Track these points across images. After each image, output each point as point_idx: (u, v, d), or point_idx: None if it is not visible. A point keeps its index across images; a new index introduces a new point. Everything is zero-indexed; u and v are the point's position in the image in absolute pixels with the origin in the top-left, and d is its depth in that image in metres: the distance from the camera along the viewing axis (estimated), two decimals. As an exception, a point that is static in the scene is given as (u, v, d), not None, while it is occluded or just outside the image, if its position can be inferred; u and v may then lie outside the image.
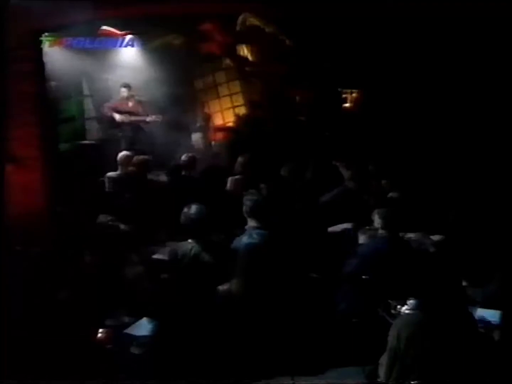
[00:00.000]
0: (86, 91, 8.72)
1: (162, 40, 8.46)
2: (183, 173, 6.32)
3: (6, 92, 4.93)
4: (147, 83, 8.31)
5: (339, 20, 6.70)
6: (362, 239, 4.83)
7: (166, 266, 4.31)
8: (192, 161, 6.36)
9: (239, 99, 9.69)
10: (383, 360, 3.20)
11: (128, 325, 3.82)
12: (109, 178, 6.45)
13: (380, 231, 4.45)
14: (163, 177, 6.69)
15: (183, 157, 6.36)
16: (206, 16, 7.72)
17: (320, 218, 5.24)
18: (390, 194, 5.64)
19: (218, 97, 9.81)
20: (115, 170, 6.50)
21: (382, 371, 3.19)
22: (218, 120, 9.76)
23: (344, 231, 5.16)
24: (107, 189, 6.40)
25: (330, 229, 5.19)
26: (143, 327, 3.79)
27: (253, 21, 8.59)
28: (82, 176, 6.71)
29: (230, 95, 9.75)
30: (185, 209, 4.17)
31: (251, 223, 4.40)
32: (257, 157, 6.42)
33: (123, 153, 6.61)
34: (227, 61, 9.36)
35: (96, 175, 6.83)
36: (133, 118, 8.19)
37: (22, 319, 3.56)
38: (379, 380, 3.24)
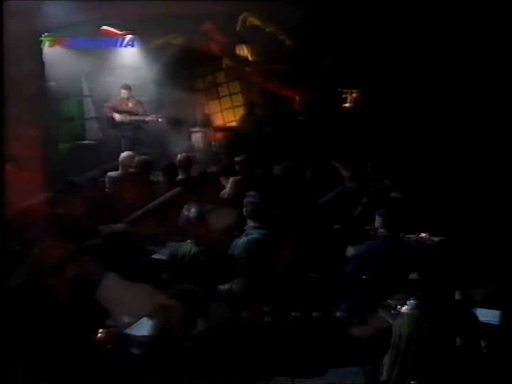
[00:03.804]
0: (86, 91, 8.73)
1: (162, 40, 8.46)
2: (179, 173, 6.29)
3: (6, 92, 4.93)
4: (147, 83, 8.32)
5: (339, 20, 6.70)
6: (349, 251, 4.80)
7: (165, 266, 4.31)
8: (187, 161, 6.32)
9: (239, 99, 9.69)
10: (386, 358, 3.20)
11: (128, 325, 3.82)
12: (110, 178, 6.45)
13: (380, 231, 4.45)
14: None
15: (179, 157, 6.32)
16: (206, 16, 7.72)
17: (320, 218, 5.23)
18: (390, 194, 5.64)
19: (218, 97, 9.81)
20: (115, 170, 6.50)
21: (384, 369, 3.20)
22: (218, 120, 9.76)
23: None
24: (107, 189, 6.40)
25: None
26: (143, 327, 3.78)
27: (253, 21, 8.59)
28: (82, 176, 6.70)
29: (230, 95, 9.76)
30: (184, 211, 4.18)
31: (250, 223, 4.40)
32: (257, 157, 6.41)
33: (126, 153, 6.60)
34: (227, 61, 9.36)
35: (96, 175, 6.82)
36: (133, 118, 8.19)
37: (21, 319, 3.55)
38: (380, 378, 3.24)
